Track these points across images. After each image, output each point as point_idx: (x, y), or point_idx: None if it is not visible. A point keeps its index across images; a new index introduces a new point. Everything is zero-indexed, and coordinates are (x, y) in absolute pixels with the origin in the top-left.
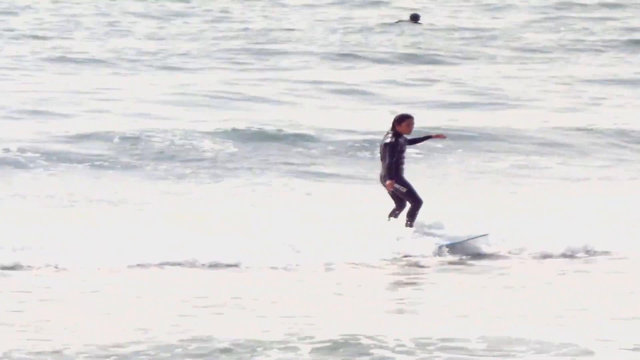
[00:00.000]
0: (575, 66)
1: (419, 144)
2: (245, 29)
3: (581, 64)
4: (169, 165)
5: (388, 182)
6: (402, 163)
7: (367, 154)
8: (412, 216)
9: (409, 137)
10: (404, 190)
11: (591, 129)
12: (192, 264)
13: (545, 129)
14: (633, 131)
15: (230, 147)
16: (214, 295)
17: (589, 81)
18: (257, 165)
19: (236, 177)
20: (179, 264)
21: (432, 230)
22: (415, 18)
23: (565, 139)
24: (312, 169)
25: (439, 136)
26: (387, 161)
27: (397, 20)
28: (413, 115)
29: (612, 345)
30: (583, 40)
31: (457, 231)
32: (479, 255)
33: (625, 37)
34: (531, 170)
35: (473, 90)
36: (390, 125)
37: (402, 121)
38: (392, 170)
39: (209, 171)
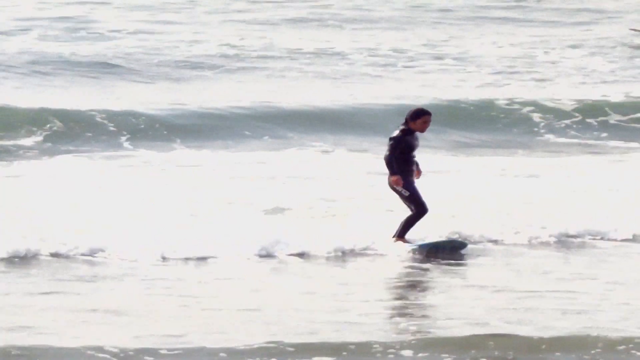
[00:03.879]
0: None
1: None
2: None
3: None
4: None
5: (393, 178)
6: (409, 164)
7: None
8: (406, 226)
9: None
10: (406, 193)
11: None
12: None
13: None
14: None
15: None
16: None
17: None
18: None
19: None
20: None
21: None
22: None
23: None
24: None
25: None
26: (386, 155)
27: None
28: (430, 113)
29: None
30: None
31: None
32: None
33: None
34: None
35: None
36: (403, 120)
37: (418, 118)
38: (393, 166)
39: None
